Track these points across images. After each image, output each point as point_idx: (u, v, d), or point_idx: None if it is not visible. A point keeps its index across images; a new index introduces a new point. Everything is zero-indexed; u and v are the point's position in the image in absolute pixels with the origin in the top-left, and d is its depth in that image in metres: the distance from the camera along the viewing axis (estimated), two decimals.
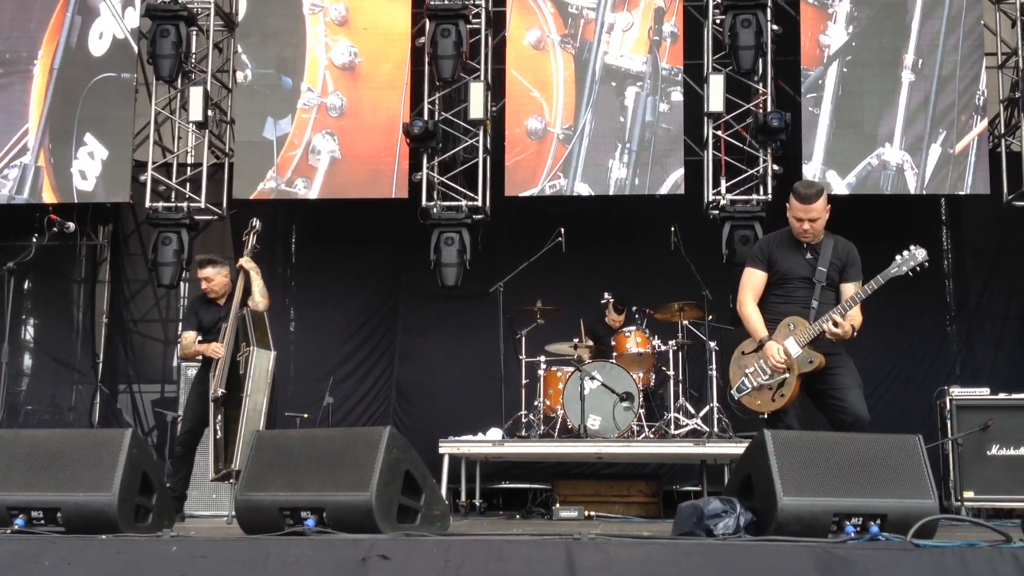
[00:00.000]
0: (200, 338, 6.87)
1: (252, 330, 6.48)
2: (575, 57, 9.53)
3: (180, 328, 8.02)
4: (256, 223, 6.93)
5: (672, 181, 9.29)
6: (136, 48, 9.69)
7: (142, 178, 9.61)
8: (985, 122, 9.09)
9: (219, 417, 6.50)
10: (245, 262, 6.75)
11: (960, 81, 9.11)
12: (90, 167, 9.64)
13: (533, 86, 9.52)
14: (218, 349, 6.61)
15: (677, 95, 9.38)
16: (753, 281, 5.36)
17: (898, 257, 5.12)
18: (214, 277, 6.88)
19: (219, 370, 6.55)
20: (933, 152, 9.06)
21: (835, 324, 5.04)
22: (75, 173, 9.63)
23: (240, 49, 9.82)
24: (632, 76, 9.43)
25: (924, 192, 9.09)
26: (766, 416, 5.27)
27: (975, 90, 9.07)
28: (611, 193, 9.37)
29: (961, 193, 9.17)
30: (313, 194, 9.59)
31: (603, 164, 9.35)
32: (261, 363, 6.42)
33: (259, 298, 6.75)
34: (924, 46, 9.16)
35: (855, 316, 5.16)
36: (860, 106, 9.20)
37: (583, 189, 9.39)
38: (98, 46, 9.81)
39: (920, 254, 5.11)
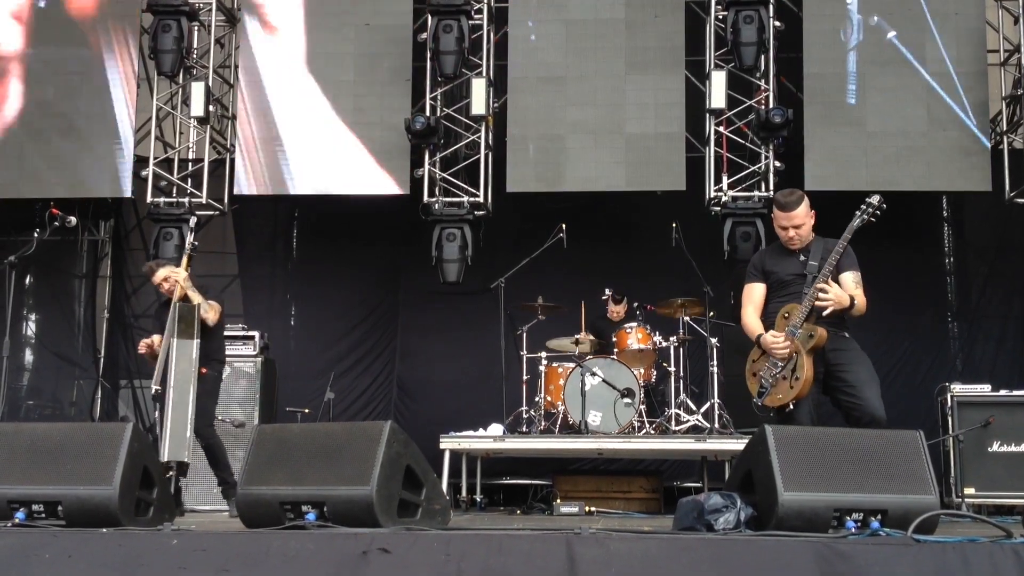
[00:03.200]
0: None
1: (176, 322, 6.45)
2: None
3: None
4: (194, 240, 6.81)
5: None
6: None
7: (143, 173, 9.61)
8: None
9: (162, 411, 6.52)
10: (175, 275, 6.71)
11: None
12: None
13: None
14: (154, 342, 6.72)
15: None
16: (753, 295, 5.40)
17: (857, 212, 5.19)
18: (170, 275, 6.86)
19: (157, 367, 6.57)
20: None
21: (821, 291, 5.03)
22: None
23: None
24: None
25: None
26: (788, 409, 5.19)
27: None
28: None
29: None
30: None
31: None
32: (183, 353, 6.40)
33: (208, 314, 6.69)
34: None
35: (859, 295, 5.16)
36: None
37: None
38: None
39: (875, 199, 5.18)
